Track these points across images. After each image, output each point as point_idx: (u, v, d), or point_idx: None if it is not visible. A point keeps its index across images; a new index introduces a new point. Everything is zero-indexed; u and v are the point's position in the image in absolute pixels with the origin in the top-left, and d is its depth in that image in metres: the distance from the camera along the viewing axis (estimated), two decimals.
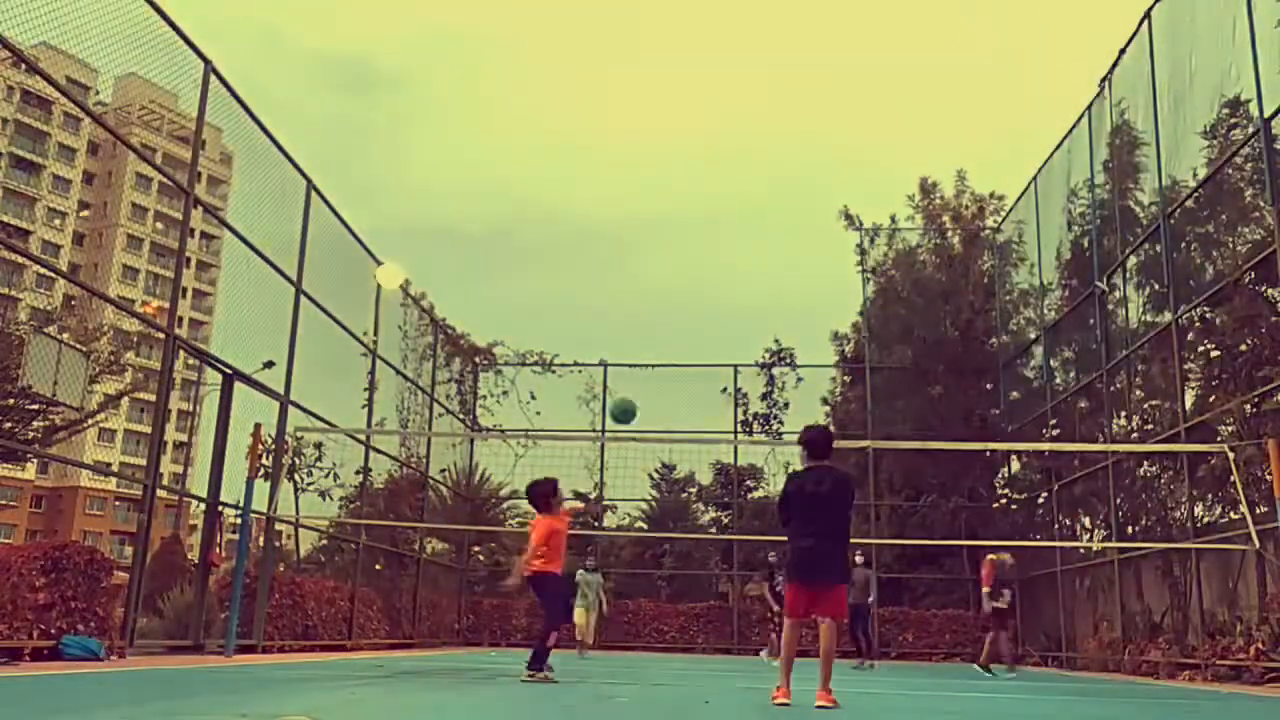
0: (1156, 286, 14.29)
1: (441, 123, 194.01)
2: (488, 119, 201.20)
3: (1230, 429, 11.78)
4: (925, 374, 22.31)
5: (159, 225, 69.04)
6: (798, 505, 5.85)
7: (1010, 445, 20.01)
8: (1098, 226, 16.58)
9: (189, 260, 56.04)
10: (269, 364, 12.88)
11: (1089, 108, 16.71)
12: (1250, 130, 11.48)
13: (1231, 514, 12.20)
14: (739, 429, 23.28)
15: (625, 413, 10.43)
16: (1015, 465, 21.20)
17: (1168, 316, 13.32)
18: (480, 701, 5.81)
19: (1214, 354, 11.88)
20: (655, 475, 26.62)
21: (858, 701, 6.48)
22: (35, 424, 18.07)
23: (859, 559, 16.55)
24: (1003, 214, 22.73)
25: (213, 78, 11.02)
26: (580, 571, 16.63)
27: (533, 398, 22.74)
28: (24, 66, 8.42)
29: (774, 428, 23.43)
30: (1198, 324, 12.60)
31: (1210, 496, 12.77)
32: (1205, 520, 12.85)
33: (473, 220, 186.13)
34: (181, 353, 11.49)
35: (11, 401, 15.33)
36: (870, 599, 16.11)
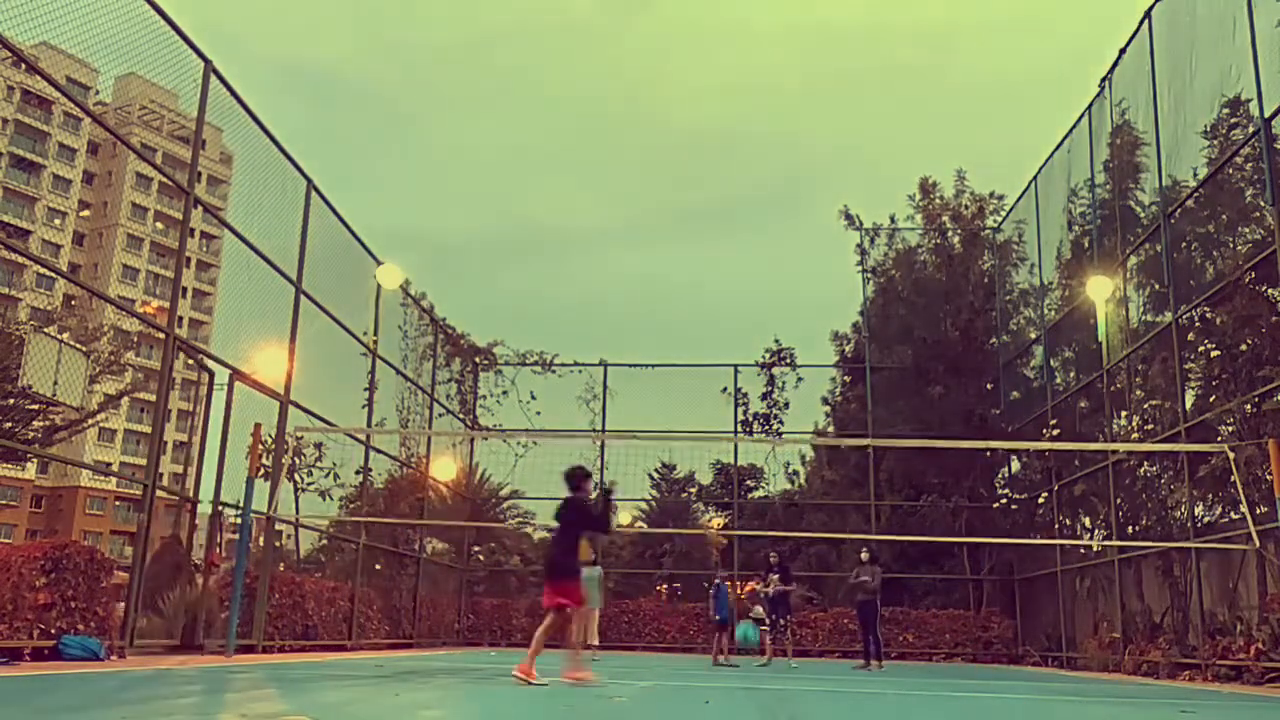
0: (1156, 286, 14.29)
1: (436, 127, 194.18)
2: (481, 121, 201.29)
3: (1230, 429, 11.78)
4: (925, 374, 22.32)
5: (159, 225, 69.03)
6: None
7: (1010, 445, 20.01)
8: (1098, 226, 16.58)
9: (189, 260, 56.05)
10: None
11: (1089, 108, 16.71)
12: (1250, 130, 11.48)
13: (1231, 514, 12.20)
14: (739, 429, 23.29)
15: None
16: (1015, 465, 21.21)
17: (1168, 316, 13.33)
18: (480, 701, 5.80)
19: (1214, 354, 11.88)
20: (655, 475, 26.68)
21: (865, 703, 6.47)
22: (35, 424, 18.06)
23: (864, 554, 14.93)
24: (1003, 214, 22.73)
25: (212, 77, 11.02)
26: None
27: (533, 397, 22.77)
28: (24, 66, 8.42)
29: (774, 428, 23.44)
30: (1198, 324, 12.59)
31: (1210, 496, 12.77)
32: (1205, 520, 12.85)
33: (466, 226, 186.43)
34: (181, 353, 11.49)
35: (11, 401, 15.32)
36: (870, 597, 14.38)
